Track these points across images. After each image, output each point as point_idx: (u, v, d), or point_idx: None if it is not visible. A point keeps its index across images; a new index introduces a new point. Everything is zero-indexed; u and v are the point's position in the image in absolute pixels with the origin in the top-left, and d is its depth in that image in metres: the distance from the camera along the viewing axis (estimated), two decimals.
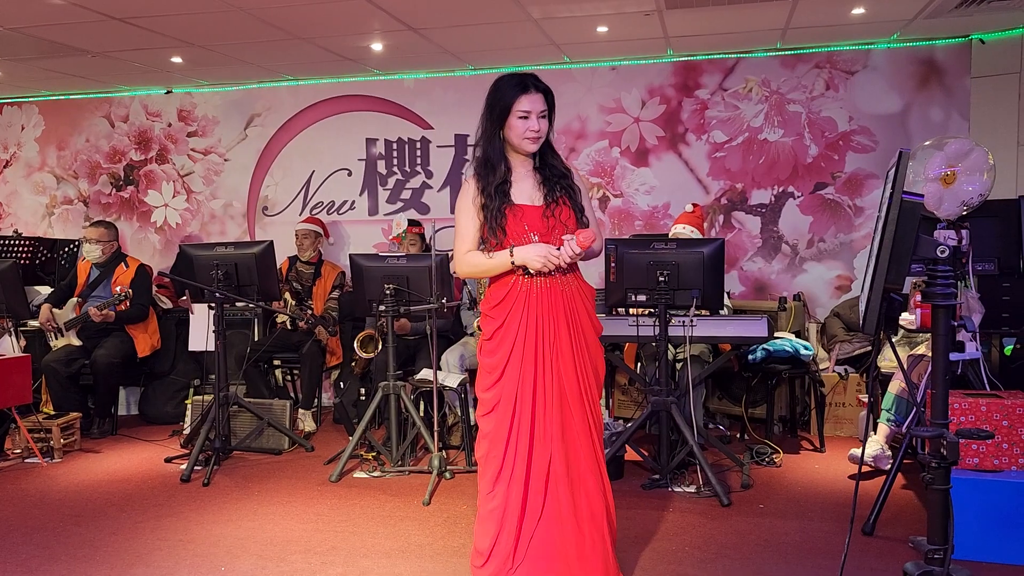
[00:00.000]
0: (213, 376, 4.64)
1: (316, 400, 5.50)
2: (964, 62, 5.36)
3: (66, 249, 6.18)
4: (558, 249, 2.56)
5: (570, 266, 2.66)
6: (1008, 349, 3.54)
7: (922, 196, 1.84)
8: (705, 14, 4.70)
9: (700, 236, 4.69)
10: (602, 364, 2.75)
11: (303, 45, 5.26)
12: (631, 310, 4.25)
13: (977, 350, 3.57)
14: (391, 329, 4.39)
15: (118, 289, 5.28)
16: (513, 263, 2.59)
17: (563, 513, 2.56)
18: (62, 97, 6.77)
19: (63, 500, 4.06)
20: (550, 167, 2.69)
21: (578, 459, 2.61)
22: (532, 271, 2.60)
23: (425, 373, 4.48)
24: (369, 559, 3.23)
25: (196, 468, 4.40)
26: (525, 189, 2.66)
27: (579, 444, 2.61)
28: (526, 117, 2.59)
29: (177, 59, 5.61)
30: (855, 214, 5.59)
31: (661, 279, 3.88)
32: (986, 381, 3.58)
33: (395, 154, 6.28)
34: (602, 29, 5.00)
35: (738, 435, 5.04)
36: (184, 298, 4.76)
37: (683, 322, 3.99)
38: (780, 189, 5.69)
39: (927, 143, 3.70)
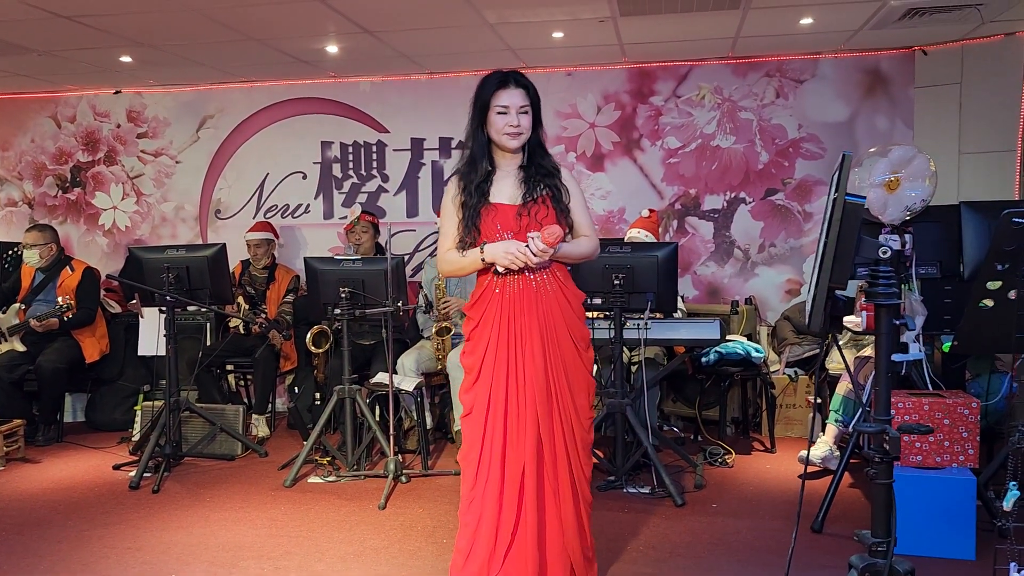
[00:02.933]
0: (164, 381, 4.55)
1: (270, 405, 5.43)
2: (908, 72, 5.52)
3: (9, 253, 6.01)
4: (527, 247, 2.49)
5: (552, 268, 2.58)
6: (946, 346, 3.65)
7: (864, 198, 1.90)
8: (658, 22, 4.77)
9: (655, 241, 4.75)
10: (583, 374, 2.62)
11: (257, 46, 5.21)
12: (587, 313, 4.28)
13: (920, 351, 3.68)
14: (347, 333, 4.36)
15: (60, 300, 5.12)
16: (483, 260, 2.54)
17: (535, 525, 2.50)
18: (6, 96, 6.59)
19: (6, 509, 3.94)
20: (537, 166, 2.62)
21: (547, 476, 2.53)
22: (501, 269, 2.54)
23: (381, 377, 4.46)
24: (324, 563, 3.20)
25: (145, 475, 4.31)
26: (506, 188, 2.61)
27: (551, 456, 2.53)
28: (505, 112, 2.55)
29: (127, 59, 5.50)
30: (804, 220, 5.72)
31: (616, 282, 3.92)
32: (929, 381, 3.69)
33: (351, 157, 6.24)
34: (558, 35, 5.04)
35: (691, 436, 5.10)
36: (134, 302, 4.67)
37: (638, 325, 4.04)
38: (732, 195, 5.79)
39: (872, 149, 3.80)
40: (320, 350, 4.79)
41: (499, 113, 2.56)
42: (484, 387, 2.57)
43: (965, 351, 3.21)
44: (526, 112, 2.57)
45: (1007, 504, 2.12)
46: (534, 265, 2.50)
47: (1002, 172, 5.26)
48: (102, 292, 5.72)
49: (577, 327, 2.62)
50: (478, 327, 2.61)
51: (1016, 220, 2.20)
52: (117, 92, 6.46)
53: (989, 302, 2.44)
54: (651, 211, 4.97)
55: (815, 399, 2.76)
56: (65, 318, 5.08)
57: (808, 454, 3.47)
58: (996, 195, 5.11)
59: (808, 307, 2.02)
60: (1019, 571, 2.10)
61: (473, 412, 2.60)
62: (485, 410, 2.56)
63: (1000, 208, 3.42)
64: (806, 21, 4.81)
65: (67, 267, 5.38)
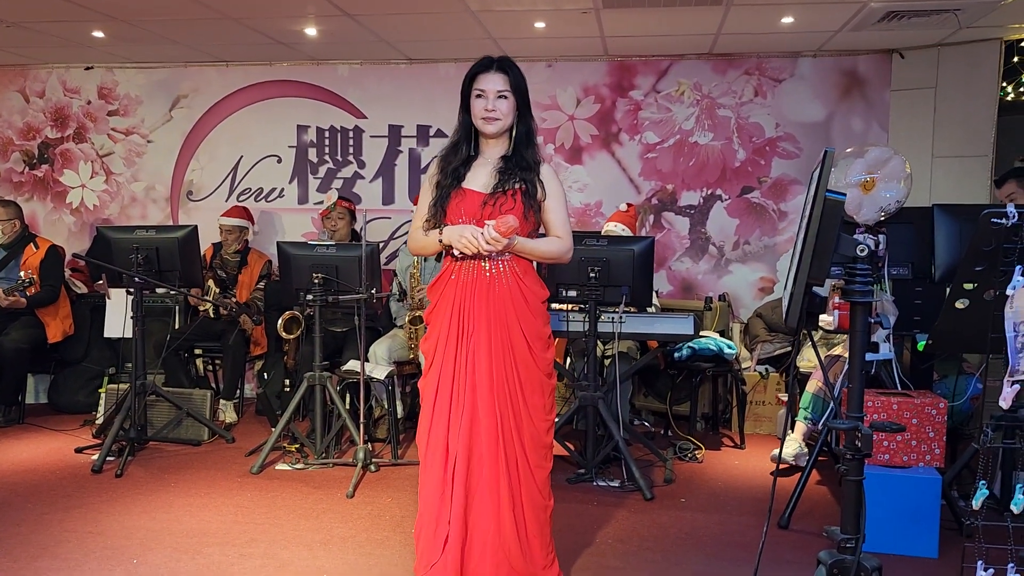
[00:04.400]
0: (130, 364, 4.47)
1: (238, 391, 5.36)
2: (885, 75, 5.56)
3: None
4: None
5: (511, 260, 2.55)
6: (920, 344, 3.69)
7: (845, 195, 1.90)
8: (641, 15, 4.76)
9: (632, 235, 4.74)
10: (536, 373, 2.55)
11: (234, 26, 5.11)
12: (562, 305, 4.27)
13: (890, 351, 3.72)
14: (318, 319, 4.31)
15: (23, 274, 5.00)
16: (440, 241, 2.55)
17: (461, 518, 2.48)
18: None
19: None
20: (518, 157, 2.58)
21: (480, 468, 2.48)
22: (457, 253, 2.54)
23: (352, 364, 4.42)
24: (289, 551, 3.16)
25: (109, 459, 4.23)
26: (481, 175, 2.59)
27: (485, 452, 2.47)
28: (481, 96, 2.54)
29: (99, 34, 5.38)
30: (779, 218, 5.75)
31: (592, 275, 3.91)
32: (898, 381, 3.73)
33: (327, 142, 6.16)
34: (539, 25, 5.01)
35: (662, 431, 5.12)
36: (100, 282, 4.57)
37: (612, 318, 4.04)
38: (708, 191, 5.81)
39: (849, 150, 3.83)
40: (291, 336, 4.74)
41: (477, 96, 2.56)
42: (434, 374, 2.57)
43: (939, 350, 3.26)
44: (504, 97, 2.55)
45: (975, 503, 2.14)
46: (485, 253, 2.48)
47: (975, 177, 5.33)
48: (68, 272, 5.60)
49: (530, 323, 2.56)
50: (434, 311, 2.62)
51: (995, 220, 2.22)
52: (88, 68, 6.32)
53: (964, 302, 2.47)
54: (629, 205, 4.97)
55: (790, 391, 2.77)
56: (27, 293, 4.96)
57: (780, 452, 3.49)
58: (968, 199, 5.17)
59: (785, 303, 2.02)
60: (986, 569, 2.12)
61: (424, 398, 2.60)
62: (433, 397, 2.56)
63: (973, 211, 3.46)
64: (787, 20, 4.83)
65: (31, 244, 5.25)
